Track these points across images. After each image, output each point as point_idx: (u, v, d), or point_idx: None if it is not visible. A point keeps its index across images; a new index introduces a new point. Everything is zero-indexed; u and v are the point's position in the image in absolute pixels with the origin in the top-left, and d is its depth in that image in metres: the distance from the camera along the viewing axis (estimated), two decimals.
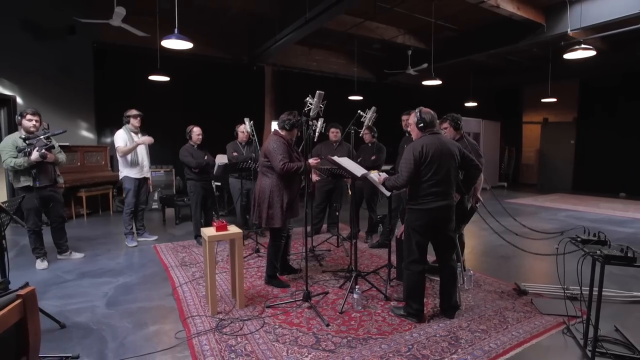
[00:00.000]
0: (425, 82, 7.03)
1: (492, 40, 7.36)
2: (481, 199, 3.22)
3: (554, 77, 8.96)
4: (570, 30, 6.01)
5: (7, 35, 5.52)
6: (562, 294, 2.84)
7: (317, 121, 4.16)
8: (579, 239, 2.41)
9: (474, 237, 5.18)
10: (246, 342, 2.36)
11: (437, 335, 2.46)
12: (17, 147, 3.43)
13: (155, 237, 4.91)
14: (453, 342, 2.38)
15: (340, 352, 2.25)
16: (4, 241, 2.29)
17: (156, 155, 7.56)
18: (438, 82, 6.79)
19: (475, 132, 10.40)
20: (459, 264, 3.34)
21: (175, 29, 4.35)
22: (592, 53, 4.74)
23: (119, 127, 4.61)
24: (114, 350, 2.29)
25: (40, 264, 3.76)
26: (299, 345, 2.31)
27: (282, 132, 3.17)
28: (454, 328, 2.56)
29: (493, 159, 10.92)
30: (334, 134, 4.55)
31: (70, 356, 2.18)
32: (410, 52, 8.10)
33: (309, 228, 4.73)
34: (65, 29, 6.12)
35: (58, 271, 3.69)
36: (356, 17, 7.03)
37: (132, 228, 4.69)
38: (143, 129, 7.71)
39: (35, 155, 3.43)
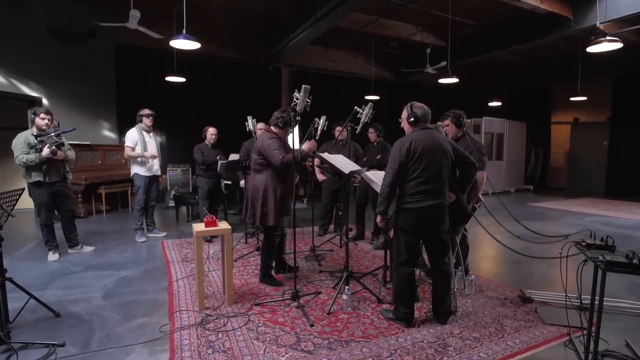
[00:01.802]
0: (441, 80, 6.80)
1: (515, 36, 7.01)
2: (482, 199, 3.04)
3: (585, 74, 8.43)
4: (600, 23, 5.62)
5: (35, 40, 5.85)
6: (571, 303, 2.62)
7: (320, 119, 4.11)
8: (583, 243, 2.22)
9: (485, 241, 4.94)
10: (226, 338, 2.34)
11: (425, 341, 2.34)
12: (28, 143, 3.60)
13: (164, 234, 5.03)
14: (440, 349, 2.25)
15: (318, 353, 2.18)
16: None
17: (173, 155, 7.81)
18: (455, 80, 6.56)
19: (499, 133, 9.97)
20: (459, 267, 3.19)
21: (184, 29, 4.44)
22: (619, 45, 4.37)
23: None
24: (99, 340, 2.34)
25: (52, 256, 3.93)
26: (278, 345, 2.26)
27: (275, 130, 3.15)
28: (444, 334, 2.42)
29: (518, 160, 10.42)
30: (340, 132, 4.48)
31: (56, 344, 2.24)
32: (429, 50, 7.88)
33: (310, 228, 4.71)
34: (87, 32, 6.42)
35: (67, 263, 3.85)
36: (370, 15, 6.93)
37: (141, 224, 4.82)
38: (162, 129, 7.92)
39: (46, 151, 3.58)
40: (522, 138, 10.51)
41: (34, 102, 5.92)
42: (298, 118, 2.74)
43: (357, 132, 3.24)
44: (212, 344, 2.28)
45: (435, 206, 2.40)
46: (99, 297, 3.02)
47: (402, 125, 2.61)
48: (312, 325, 2.50)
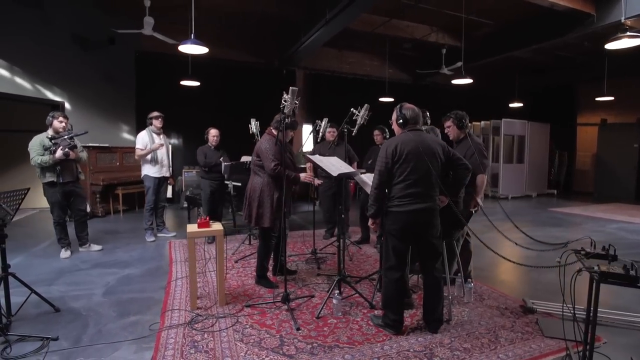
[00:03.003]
0: (455, 81, 6.63)
1: (533, 34, 6.75)
2: (481, 203, 2.93)
3: (612, 73, 7.99)
4: (625, 19, 5.31)
5: (58, 47, 6.16)
6: (572, 314, 2.47)
7: (322, 121, 4.10)
8: (582, 252, 2.09)
9: (494, 247, 4.73)
10: (211, 339, 2.36)
11: (411, 350, 2.26)
12: (43, 145, 3.79)
13: (173, 234, 5.15)
14: (426, 359, 2.17)
15: (299, 358, 2.15)
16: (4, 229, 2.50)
17: (189, 157, 7.98)
18: (469, 80, 6.37)
19: (520, 135, 9.59)
20: (459, 274, 3.08)
21: (192, 34, 4.56)
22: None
23: None
24: (90, 336, 2.42)
25: (64, 253, 4.11)
26: (260, 347, 2.25)
27: (276, 133, 3.17)
28: (433, 344, 2.33)
29: (541, 163, 9.97)
30: (331, 133, 4.43)
31: (50, 338, 2.33)
32: (444, 51, 7.72)
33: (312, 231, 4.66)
34: (107, 39, 6.70)
35: (77, 260, 4.01)
36: (383, 17, 6.86)
37: (151, 224, 4.96)
38: (178, 131, 8.09)
39: (59, 153, 3.77)
40: (545, 140, 10.05)
41: (57, 107, 6.22)
42: (287, 120, 2.73)
43: (353, 134, 3.19)
44: (196, 343, 2.30)
45: (423, 210, 2.33)
46: (99, 294, 3.13)
47: (392, 127, 2.56)
48: (298, 329, 2.48)
